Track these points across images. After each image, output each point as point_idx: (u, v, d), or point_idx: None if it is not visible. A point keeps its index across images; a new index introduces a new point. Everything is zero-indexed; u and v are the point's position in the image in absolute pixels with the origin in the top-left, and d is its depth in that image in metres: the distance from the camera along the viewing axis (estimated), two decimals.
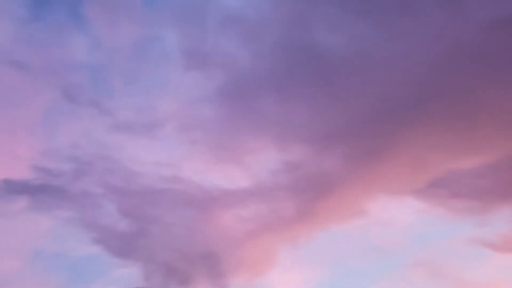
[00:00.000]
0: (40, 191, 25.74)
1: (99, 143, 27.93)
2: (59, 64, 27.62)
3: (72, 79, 27.30)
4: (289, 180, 27.05)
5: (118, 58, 29.07)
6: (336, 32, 28.04)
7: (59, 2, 27.79)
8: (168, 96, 29.98)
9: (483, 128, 26.11)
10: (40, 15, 27.50)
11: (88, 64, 28.45)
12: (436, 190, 26.44)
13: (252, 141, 28.54)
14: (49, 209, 26.04)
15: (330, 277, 27.65)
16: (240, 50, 28.42)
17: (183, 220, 27.00)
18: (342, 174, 26.91)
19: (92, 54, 28.72)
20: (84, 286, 27.26)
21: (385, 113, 27.15)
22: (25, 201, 25.72)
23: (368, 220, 27.58)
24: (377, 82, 27.28)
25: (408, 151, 27.02)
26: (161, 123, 28.73)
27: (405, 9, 26.71)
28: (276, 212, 26.83)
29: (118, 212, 26.95)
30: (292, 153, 27.62)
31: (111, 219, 26.69)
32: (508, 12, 24.78)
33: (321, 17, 27.77)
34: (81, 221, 26.25)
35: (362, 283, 27.28)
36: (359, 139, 27.17)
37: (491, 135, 26.05)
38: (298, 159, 27.32)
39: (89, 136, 28.18)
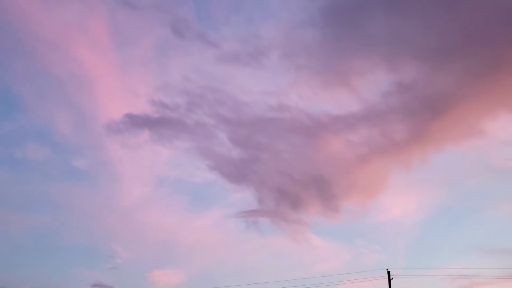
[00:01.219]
0: (159, 123, 27.72)
1: (208, 75, 28.95)
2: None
3: (178, 14, 28.06)
4: (401, 101, 26.04)
5: None
6: None
7: None
8: (271, 22, 29.69)
9: None
10: None
11: None
12: None
13: (360, 63, 27.54)
14: (168, 140, 28.08)
15: (446, 199, 26.97)
16: None
17: (293, 146, 27.58)
18: (459, 92, 25.18)
19: None
20: (204, 208, 29.78)
21: (508, 21, 24.37)
22: (146, 133, 27.98)
23: (488, 140, 25.90)
24: None
25: None
26: (266, 51, 28.70)
27: None
28: (387, 135, 26.23)
29: (229, 141, 28.24)
30: (404, 73, 26.28)
31: (224, 148, 28.12)
32: None
33: None
34: (197, 150, 28.05)
35: (481, 205, 26.27)
36: (478, 53, 24.90)
37: None
38: (410, 79, 25.96)
39: (198, 69, 29.33)
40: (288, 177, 27.62)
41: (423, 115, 25.44)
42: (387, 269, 17.13)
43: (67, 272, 25.33)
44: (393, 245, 26.23)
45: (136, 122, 27.82)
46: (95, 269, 26.06)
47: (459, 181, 26.81)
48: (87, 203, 27.80)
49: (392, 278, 17.03)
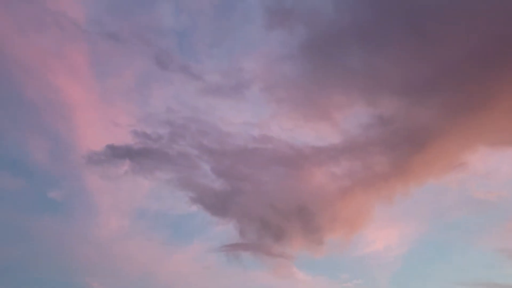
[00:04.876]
0: (141, 154, 27.26)
1: (191, 106, 28.78)
2: (147, 31, 28.43)
3: (161, 45, 28.05)
4: (381, 134, 26.24)
5: (202, 21, 29.34)
6: None
7: None
8: (252, 56, 29.87)
9: None
10: None
11: (174, 29, 29.05)
12: None
13: (340, 96, 27.80)
14: (150, 171, 27.61)
15: (429, 232, 27.07)
16: (323, 2, 27.33)
17: (275, 177, 27.39)
18: (439, 126, 25.52)
19: (177, 18, 29.24)
20: (185, 242, 29.09)
21: (485, 57, 24.93)
22: (127, 164, 27.44)
23: (468, 173, 26.34)
24: (476, 25, 25.04)
25: None
26: (247, 83, 28.82)
27: None
28: (369, 168, 26.30)
29: (212, 172, 27.92)
30: (383, 106, 26.57)
31: (206, 179, 27.76)
32: None
33: None
34: (179, 181, 27.58)
35: (463, 237, 26.44)
36: (457, 88, 25.39)
37: None
38: (390, 112, 26.25)
39: (181, 100, 29.10)
40: (271, 209, 27.36)
41: (404, 148, 25.69)
42: None
43: None
44: (376, 279, 26.03)
45: (117, 153, 27.33)
46: None
47: (441, 215, 27.01)
48: (61, 235, 26.87)
49: None
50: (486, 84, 25.25)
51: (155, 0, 28.69)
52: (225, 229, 27.70)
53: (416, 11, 26.08)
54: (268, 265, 26.22)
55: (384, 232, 27.30)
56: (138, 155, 26.98)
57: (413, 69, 26.50)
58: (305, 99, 28.65)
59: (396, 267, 26.18)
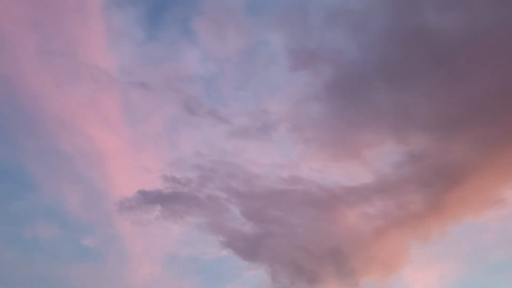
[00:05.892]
0: (171, 199, 27.46)
1: (219, 149, 29.05)
2: (175, 79, 29.30)
3: (188, 92, 28.78)
4: (414, 172, 25.60)
5: (228, 67, 30.05)
6: (449, 12, 26.01)
7: (171, 20, 29.57)
8: (278, 98, 30.16)
9: None
10: (155, 34, 29.48)
11: (201, 76, 29.83)
12: None
13: (369, 135, 27.50)
14: (180, 215, 27.67)
15: (469, 273, 25.77)
16: (347, 43, 27.55)
17: (307, 219, 26.94)
18: (474, 161, 24.78)
19: (203, 65, 30.07)
20: None
21: None
22: (158, 209, 27.64)
23: (508, 209, 25.27)
24: (503, 60, 24.69)
25: None
26: (274, 125, 28.97)
27: None
28: (403, 207, 25.58)
29: (242, 215, 27.74)
30: (414, 143, 26.08)
31: (236, 223, 27.55)
32: None
33: None
34: (209, 225, 27.46)
35: (508, 279, 25.02)
36: (491, 121, 24.76)
37: None
38: (421, 148, 25.72)
39: (209, 144, 29.47)
40: (303, 252, 26.74)
41: (438, 185, 24.95)
42: None
43: None
44: None
45: (148, 198, 27.66)
46: None
47: (483, 255, 25.81)
48: (95, 283, 26.88)
49: None
50: None
51: (182, 49, 29.69)
52: (257, 274, 27.17)
53: (441, 49, 26.03)
54: None
55: (422, 274, 26.15)
56: (168, 200, 27.21)
57: (443, 105, 26.13)
58: (333, 138, 28.52)
59: None
